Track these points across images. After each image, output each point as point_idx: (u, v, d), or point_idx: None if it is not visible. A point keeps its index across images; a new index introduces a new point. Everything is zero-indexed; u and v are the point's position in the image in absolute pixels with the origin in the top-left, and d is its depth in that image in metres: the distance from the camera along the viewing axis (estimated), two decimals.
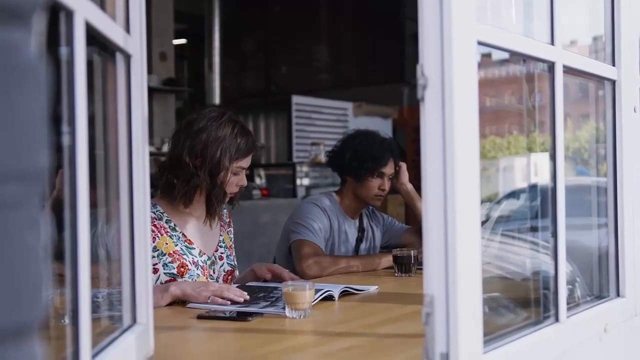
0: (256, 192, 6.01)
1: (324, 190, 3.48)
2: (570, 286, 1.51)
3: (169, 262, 2.04)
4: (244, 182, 2.15)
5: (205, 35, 8.38)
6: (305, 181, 6.89)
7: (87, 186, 0.88)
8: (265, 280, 2.24)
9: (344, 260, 2.56)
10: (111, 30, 1.06)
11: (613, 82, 1.68)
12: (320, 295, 1.89)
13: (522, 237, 1.80)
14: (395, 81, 8.42)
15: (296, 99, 7.65)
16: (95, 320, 0.95)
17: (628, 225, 1.69)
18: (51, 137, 0.64)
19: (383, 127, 7.31)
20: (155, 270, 2.01)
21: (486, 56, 1.30)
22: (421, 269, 1.60)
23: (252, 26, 9.75)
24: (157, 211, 2.08)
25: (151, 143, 6.69)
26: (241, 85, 9.92)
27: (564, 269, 1.38)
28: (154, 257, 2.01)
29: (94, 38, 0.98)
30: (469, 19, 1.08)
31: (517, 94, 1.73)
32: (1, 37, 0.57)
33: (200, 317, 1.73)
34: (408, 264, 2.42)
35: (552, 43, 1.38)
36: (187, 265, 2.06)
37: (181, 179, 2.06)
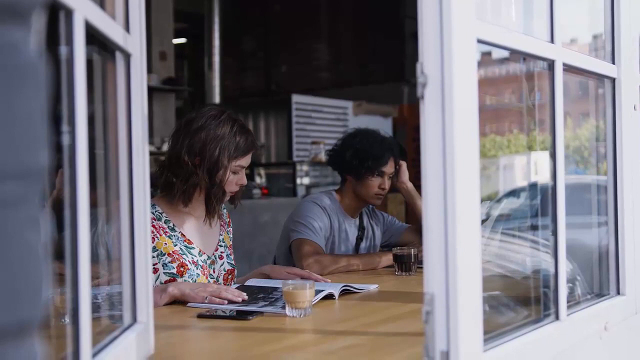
0: (256, 191, 6.01)
1: (324, 189, 3.48)
2: (570, 284, 1.51)
3: (169, 262, 2.03)
4: (244, 181, 2.15)
5: (205, 35, 8.38)
6: (306, 180, 6.89)
7: (87, 186, 0.88)
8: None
9: (344, 259, 2.56)
10: (111, 29, 1.06)
11: (613, 80, 1.68)
12: (321, 295, 1.89)
13: (522, 236, 1.80)
14: (396, 80, 8.43)
15: (296, 98, 7.65)
16: (95, 320, 0.95)
17: (628, 223, 1.69)
18: (51, 136, 0.64)
19: (383, 126, 7.31)
20: (155, 270, 2.01)
21: (486, 55, 1.30)
22: (421, 267, 1.60)
23: (252, 25, 9.75)
24: (155, 211, 2.08)
25: (151, 142, 6.70)
26: (241, 84, 9.92)
27: (564, 267, 1.39)
28: (153, 257, 2.01)
29: (94, 37, 0.98)
30: (468, 17, 1.08)
31: (517, 92, 1.73)
32: (1, 36, 0.57)
33: (200, 316, 1.74)
34: (408, 262, 2.42)
35: (552, 41, 1.38)
36: (187, 265, 2.06)
37: (180, 178, 2.06)
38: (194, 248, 2.11)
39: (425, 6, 1.04)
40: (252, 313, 1.72)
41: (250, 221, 5.32)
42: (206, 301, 1.84)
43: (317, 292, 1.86)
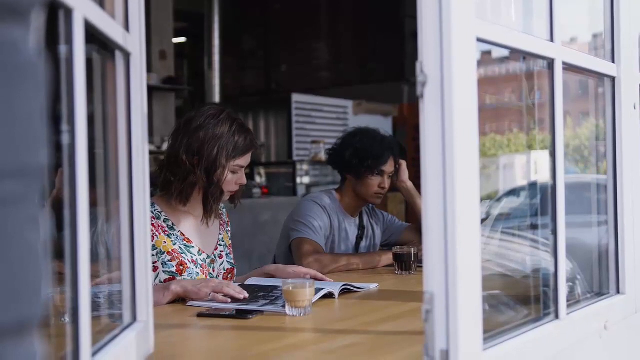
0: (256, 191, 6.01)
1: (324, 189, 3.48)
2: (570, 283, 1.51)
3: (168, 261, 2.04)
4: (244, 180, 2.14)
5: (205, 34, 8.38)
6: (306, 179, 6.89)
7: (87, 185, 0.89)
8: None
9: (345, 258, 2.56)
10: (110, 28, 1.06)
11: (613, 79, 1.68)
12: (321, 294, 1.89)
13: (522, 235, 1.80)
14: (395, 79, 8.43)
15: (296, 97, 7.65)
16: (95, 318, 0.95)
17: (628, 222, 1.69)
18: (51, 135, 0.64)
19: (383, 125, 7.31)
20: (154, 269, 2.01)
21: (486, 54, 1.30)
22: (421, 266, 1.60)
23: (252, 24, 9.75)
24: (155, 210, 2.08)
25: (151, 142, 6.69)
26: (241, 83, 9.92)
27: (564, 266, 1.39)
28: (152, 255, 2.01)
29: (93, 36, 0.98)
30: (468, 16, 1.07)
31: (517, 91, 1.73)
32: (0, 35, 0.57)
33: (200, 315, 1.74)
34: (408, 261, 2.42)
35: (552, 40, 1.38)
36: (186, 264, 2.06)
37: (178, 177, 2.05)
38: (193, 247, 2.11)
39: (425, 5, 1.04)
40: (252, 312, 1.72)
41: (250, 220, 5.33)
42: (209, 297, 1.84)
43: (317, 290, 1.86)
